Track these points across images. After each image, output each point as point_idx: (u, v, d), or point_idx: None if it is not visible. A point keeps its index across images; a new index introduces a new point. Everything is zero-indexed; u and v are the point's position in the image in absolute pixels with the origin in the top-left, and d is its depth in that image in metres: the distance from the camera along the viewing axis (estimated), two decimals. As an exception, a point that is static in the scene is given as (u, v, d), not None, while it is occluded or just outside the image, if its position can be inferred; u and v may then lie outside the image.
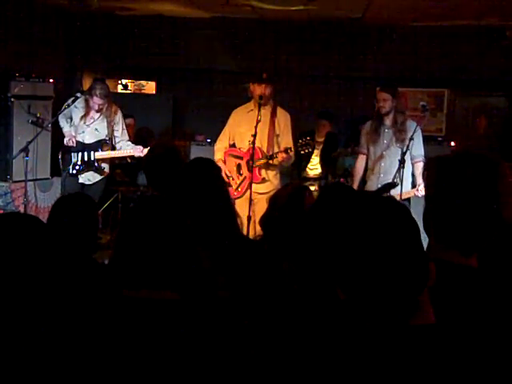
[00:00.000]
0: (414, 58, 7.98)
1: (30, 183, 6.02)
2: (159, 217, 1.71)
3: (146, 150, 5.64)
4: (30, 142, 5.63)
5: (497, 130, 7.81)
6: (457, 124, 8.25)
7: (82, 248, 2.68)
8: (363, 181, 5.65)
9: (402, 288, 1.35)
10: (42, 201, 6.47)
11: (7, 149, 6.32)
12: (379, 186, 5.28)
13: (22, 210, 5.91)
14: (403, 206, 1.47)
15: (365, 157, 5.61)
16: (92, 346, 1.57)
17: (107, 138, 5.93)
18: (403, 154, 5.08)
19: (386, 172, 5.30)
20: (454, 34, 7.81)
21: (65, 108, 5.73)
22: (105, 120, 5.89)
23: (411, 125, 5.34)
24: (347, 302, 1.41)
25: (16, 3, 6.84)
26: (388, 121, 5.41)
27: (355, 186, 5.55)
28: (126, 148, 5.96)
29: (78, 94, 5.73)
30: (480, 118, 7.77)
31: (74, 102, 5.72)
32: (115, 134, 5.96)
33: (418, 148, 5.35)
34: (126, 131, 6.07)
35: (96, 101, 5.77)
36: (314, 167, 7.13)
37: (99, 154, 5.90)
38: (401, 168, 5.06)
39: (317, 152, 6.97)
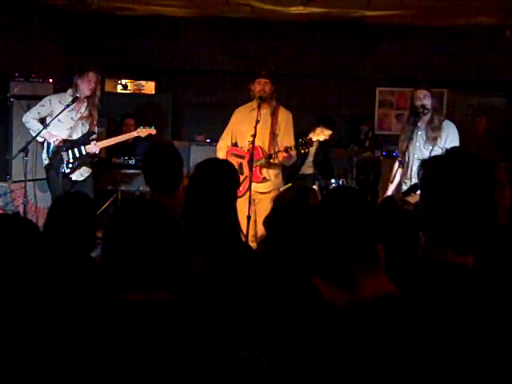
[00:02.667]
0: (414, 58, 7.99)
1: (29, 183, 6.00)
2: (143, 218, 1.70)
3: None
4: (29, 142, 5.59)
5: (496, 129, 7.81)
6: (456, 124, 8.24)
7: (81, 247, 2.67)
8: (399, 184, 5.24)
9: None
10: (42, 201, 6.46)
11: (7, 149, 6.31)
12: (404, 187, 4.99)
13: (21, 210, 5.90)
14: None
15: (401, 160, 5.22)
16: (89, 347, 1.57)
17: (92, 131, 5.86)
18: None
19: (414, 175, 4.88)
20: (454, 33, 7.81)
21: (64, 109, 5.66)
22: (88, 114, 5.84)
23: (448, 125, 5.03)
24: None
25: (16, 3, 6.83)
26: (422, 122, 5.00)
27: (390, 191, 5.24)
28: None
29: (78, 94, 5.69)
30: (480, 117, 7.76)
31: (73, 101, 5.68)
32: (94, 127, 5.93)
33: (450, 143, 4.93)
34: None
35: (92, 77, 5.68)
36: (309, 166, 7.11)
37: (89, 147, 5.80)
38: (399, 167, 4.89)
39: (311, 151, 6.86)
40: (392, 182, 5.34)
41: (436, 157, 1.80)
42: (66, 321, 1.69)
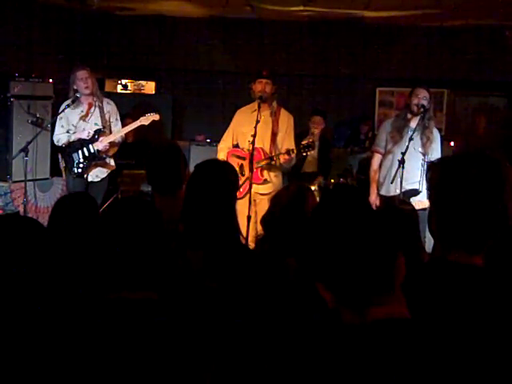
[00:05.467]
0: (414, 58, 7.99)
1: (29, 183, 6.00)
2: (131, 218, 1.69)
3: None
4: (29, 142, 5.60)
5: (496, 129, 7.81)
6: (456, 124, 8.26)
7: (83, 248, 2.66)
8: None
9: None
10: (42, 201, 6.46)
11: (7, 149, 6.30)
12: (397, 191, 4.94)
13: (21, 210, 5.90)
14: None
15: (381, 156, 5.32)
16: (78, 344, 1.57)
17: (102, 127, 5.78)
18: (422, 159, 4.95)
19: (406, 177, 4.90)
20: (454, 33, 7.81)
21: (63, 110, 5.65)
22: (98, 111, 5.82)
23: (436, 135, 5.17)
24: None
25: (16, 3, 6.83)
26: (413, 122, 5.11)
27: (374, 188, 5.32)
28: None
29: (78, 94, 5.69)
30: (479, 117, 7.77)
31: (73, 102, 5.68)
32: (112, 124, 5.88)
33: (436, 154, 5.06)
34: (119, 121, 5.98)
35: (81, 75, 5.62)
36: (312, 163, 7.10)
37: (96, 144, 5.71)
38: (400, 167, 4.90)
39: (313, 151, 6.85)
40: (374, 178, 5.38)
41: (444, 158, 1.80)
42: (61, 321, 1.70)
